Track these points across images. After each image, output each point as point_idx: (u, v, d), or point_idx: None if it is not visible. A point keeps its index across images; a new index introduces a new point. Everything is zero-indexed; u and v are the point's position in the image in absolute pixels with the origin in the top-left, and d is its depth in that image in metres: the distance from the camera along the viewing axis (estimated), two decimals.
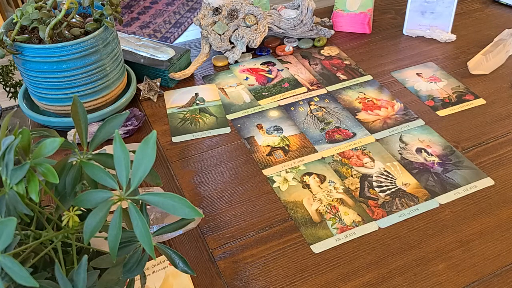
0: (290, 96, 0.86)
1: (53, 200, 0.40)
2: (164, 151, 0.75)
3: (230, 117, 0.82)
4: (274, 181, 0.69)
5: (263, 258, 0.59)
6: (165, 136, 0.78)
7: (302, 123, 0.80)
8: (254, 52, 0.98)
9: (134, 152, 0.36)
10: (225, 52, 0.95)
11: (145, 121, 0.82)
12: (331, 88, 0.88)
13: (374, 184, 0.68)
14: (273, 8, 0.99)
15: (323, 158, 0.73)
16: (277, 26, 0.97)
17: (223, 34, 0.94)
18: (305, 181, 0.69)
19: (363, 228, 0.62)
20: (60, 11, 0.70)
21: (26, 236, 0.39)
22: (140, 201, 0.37)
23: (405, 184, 0.68)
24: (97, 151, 0.42)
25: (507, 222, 0.62)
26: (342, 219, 0.63)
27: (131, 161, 0.36)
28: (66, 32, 0.71)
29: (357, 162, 0.72)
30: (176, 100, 0.86)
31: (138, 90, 0.86)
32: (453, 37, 0.99)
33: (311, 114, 0.82)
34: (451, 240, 0.60)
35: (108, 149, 0.69)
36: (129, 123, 0.78)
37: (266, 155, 0.74)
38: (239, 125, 0.80)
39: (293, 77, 0.91)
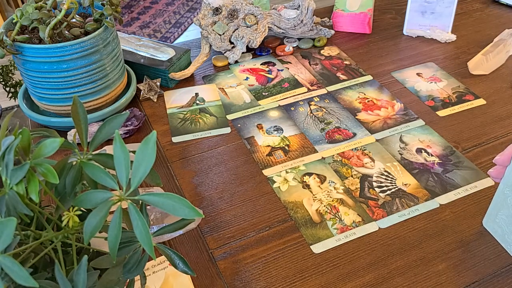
0: (290, 96, 0.86)
1: (53, 200, 0.40)
2: (164, 151, 0.75)
3: (230, 117, 0.82)
4: (274, 181, 0.69)
5: (263, 258, 0.59)
6: (165, 136, 0.78)
7: (302, 123, 0.80)
8: (254, 52, 0.98)
9: (134, 152, 0.36)
10: (225, 52, 0.95)
11: (145, 121, 0.82)
12: (331, 88, 0.88)
13: (374, 184, 0.68)
14: (273, 8, 0.99)
15: (323, 158, 0.73)
16: (277, 26, 0.97)
17: (223, 34, 0.94)
18: (305, 181, 0.69)
19: (363, 228, 0.62)
20: (60, 11, 0.70)
21: (26, 236, 0.39)
22: (140, 201, 0.37)
23: (405, 184, 0.68)
24: (97, 151, 0.42)
25: None
26: (342, 219, 0.63)
27: (131, 161, 0.36)
28: (66, 32, 0.71)
29: (357, 162, 0.72)
30: (176, 100, 0.86)
31: (138, 90, 0.86)
32: (453, 37, 0.99)
33: (311, 114, 0.82)
34: (451, 241, 0.60)
35: (108, 149, 0.69)
36: (129, 123, 0.78)
37: (266, 155, 0.74)
38: (239, 125, 0.80)
39: (293, 77, 0.91)
